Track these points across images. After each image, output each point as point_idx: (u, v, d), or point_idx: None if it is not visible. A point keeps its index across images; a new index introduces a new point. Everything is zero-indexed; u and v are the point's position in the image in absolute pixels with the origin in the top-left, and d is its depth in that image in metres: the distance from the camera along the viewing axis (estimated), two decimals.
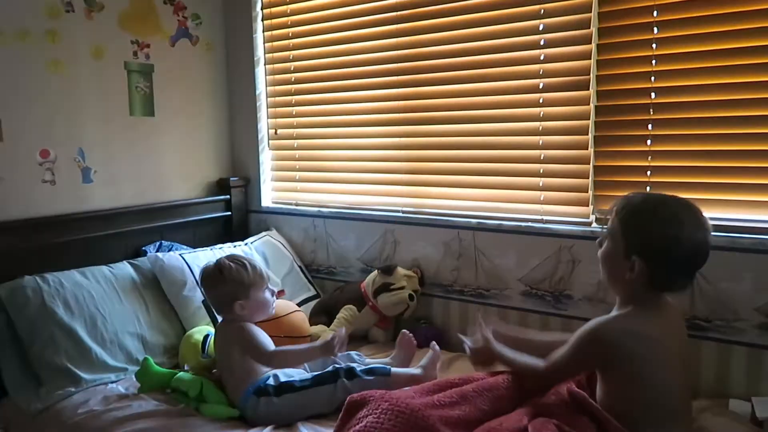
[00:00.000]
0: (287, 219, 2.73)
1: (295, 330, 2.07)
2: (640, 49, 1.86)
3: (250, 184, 2.82)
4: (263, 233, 2.67)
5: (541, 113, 2.06)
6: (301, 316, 2.15)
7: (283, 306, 2.11)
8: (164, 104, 2.54)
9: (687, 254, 1.32)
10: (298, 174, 2.73)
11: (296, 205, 2.74)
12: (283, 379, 1.74)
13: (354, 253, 2.53)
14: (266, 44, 2.72)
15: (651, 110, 1.87)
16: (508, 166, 2.16)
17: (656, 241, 1.31)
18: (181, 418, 1.69)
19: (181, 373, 1.85)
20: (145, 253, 2.33)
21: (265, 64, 2.74)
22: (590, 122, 1.96)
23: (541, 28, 2.03)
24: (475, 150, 2.22)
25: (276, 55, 2.71)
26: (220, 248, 2.45)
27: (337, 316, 2.24)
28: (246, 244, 2.55)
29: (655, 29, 1.83)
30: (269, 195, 2.83)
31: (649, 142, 1.88)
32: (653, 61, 1.85)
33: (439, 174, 2.31)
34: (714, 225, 1.64)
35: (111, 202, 2.36)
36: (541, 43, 2.04)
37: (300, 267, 2.61)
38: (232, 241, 2.60)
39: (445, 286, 2.29)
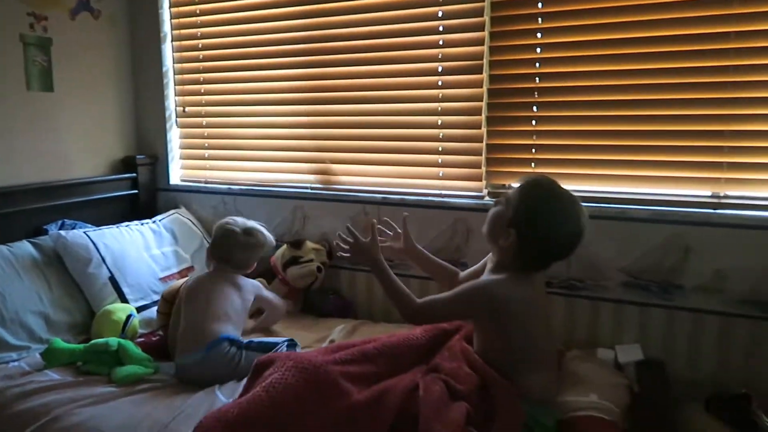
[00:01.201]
0: (196, 197, 2.75)
1: None
2: (527, 38, 2.05)
3: (158, 161, 2.80)
4: (172, 211, 2.67)
5: (440, 95, 2.22)
6: None
7: None
8: (64, 79, 2.47)
9: (561, 248, 1.49)
10: (207, 152, 2.75)
11: (206, 182, 2.76)
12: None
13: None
14: (173, 20, 2.70)
15: (536, 93, 2.06)
16: (410, 144, 2.30)
17: (537, 230, 1.46)
18: (90, 387, 1.71)
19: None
20: (46, 232, 2.28)
21: (171, 41, 2.72)
22: (483, 104, 2.13)
23: (439, 14, 2.18)
24: (378, 129, 2.34)
25: (183, 31, 2.69)
26: (127, 225, 2.44)
27: None
28: (154, 221, 2.55)
29: (540, 20, 2.02)
30: (178, 173, 2.83)
31: (534, 122, 2.08)
32: (538, 49, 2.04)
33: (345, 152, 2.42)
34: (585, 196, 1.88)
35: (9, 180, 2.29)
36: (440, 29, 2.18)
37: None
38: (139, 219, 2.58)
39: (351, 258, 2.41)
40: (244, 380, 1.53)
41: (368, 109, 2.35)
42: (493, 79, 2.12)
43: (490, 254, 1.66)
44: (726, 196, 1.87)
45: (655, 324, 1.95)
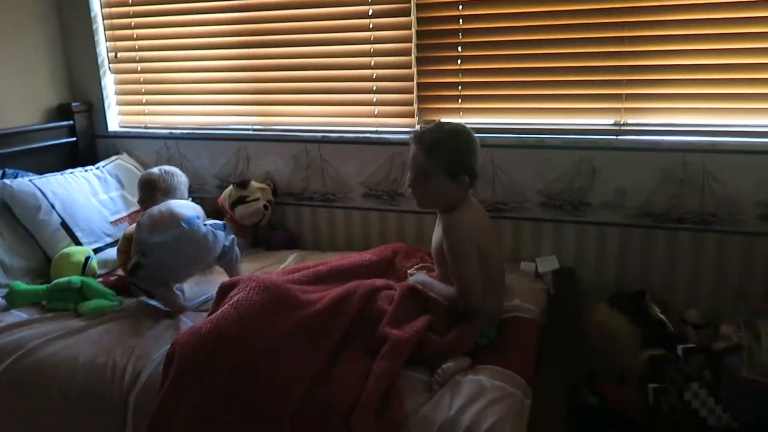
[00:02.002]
0: (137, 142, 2.79)
1: None
2: None
3: (94, 108, 2.80)
4: (114, 157, 2.71)
5: (372, 37, 2.35)
6: None
7: None
8: None
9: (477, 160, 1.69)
10: (144, 97, 2.77)
11: (145, 128, 2.80)
12: None
13: (208, 171, 2.69)
14: None
15: (460, 35, 2.23)
16: (346, 84, 2.43)
17: (463, 158, 1.65)
18: (60, 321, 1.83)
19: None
20: None
21: None
22: (413, 45, 2.29)
23: None
24: (315, 70, 2.45)
25: None
26: (71, 173, 2.47)
27: None
28: (97, 168, 2.59)
29: None
30: (115, 119, 2.84)
31: (459, 62, 2.26)
32: None
33: (284, 93, 2.53)
34: (506, 128, 2.11)
35: None
36: None
37: None
38: (78, 166, 2.60)
39: (296, 194, 2.56)
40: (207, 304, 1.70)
41: (304, 52, 2.45)
42: (420, 21, 2.26)
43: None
44: (626, 124, 2.13)
45: (568, 237, 2.23)
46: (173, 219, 1.87)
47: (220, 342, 1.44)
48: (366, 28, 2.34)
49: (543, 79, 2.17)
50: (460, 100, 2.30)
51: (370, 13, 2.32)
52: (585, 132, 2.17)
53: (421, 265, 1.95)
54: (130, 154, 2.78)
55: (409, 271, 1.90)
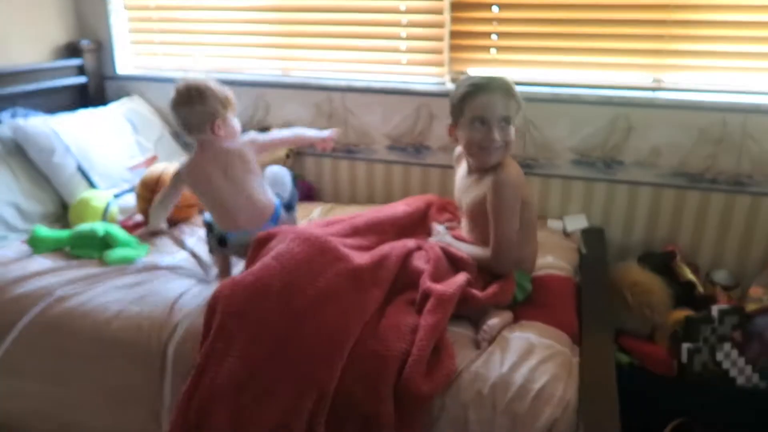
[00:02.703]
0: (151, 85, 2.67)
1: (193, 196, 2.13)
2: None
3: (102, 48, 2.67)
4: (126, 99, 2.60)
5: None
6: None
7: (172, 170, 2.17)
8: None
9: (454, 96, 1.62)
10: (158, 36, 2.64)
11: (160, 70, 2.68)
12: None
13: None
14: None
15: None
16: (373, 30, 2.33)
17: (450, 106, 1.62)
18: (85, 268, 1.77)
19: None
20: None
21: None
22: None
23: None
24: (343, 13, 2.34)
25: None
26: (84, 114, 2.37)
27: None
28: (110, 110, 2.48)
29: None
30: (127, 60, 2.72)
31: (495, 8, 2.16)
32: None
33: (309, 36, 2.42)
34: (541, 82, 2.04)
35: None
36: None
37: (171, 134, 2.62)
38: (88, 108, 2.49)
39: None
40: None
41: None
42: None
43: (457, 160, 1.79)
44: (665, 81, 2.08)
45: (598, 196, 2.20)
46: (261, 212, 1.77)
47: (263, 293, 1.40)
48: None
49: (581, 31, 2.10)
50: (494, 51, 2.21)
51: None
52: (622, 88, 2.11)
53: (447, 223, 1.90)
54: (142, 97, 2.67)
55: (434, 223, 1.86)
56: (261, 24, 2.46)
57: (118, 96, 2.67)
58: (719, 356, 1.79)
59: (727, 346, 1.79)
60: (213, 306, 1.43)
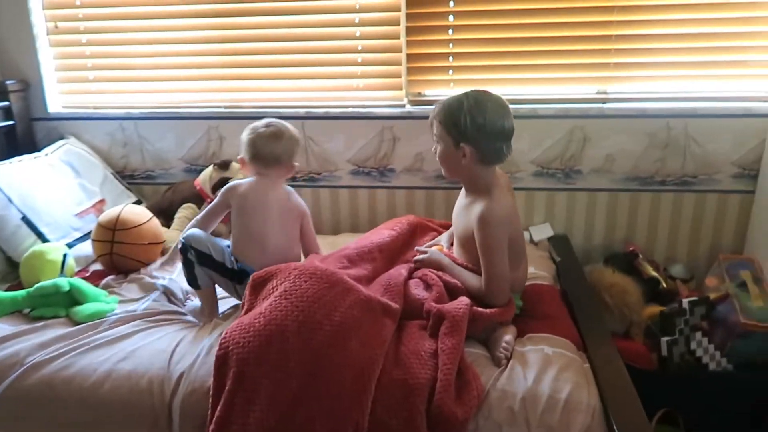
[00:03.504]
0: (85, 125, 2.50)
1: (158, 236, 2.04)
2: None
3: (30, 87, 2.47)
4: (61, 142, 2.41)
5: (357, 5, 2.24)
6: (157, 222, 2.10)
7: (140, 213, 2.05)
8: None
9: (496, 128, 1.55)
10: (92, 73, 2.48)
11: (94, 108, 2.51)
12: None
13: (174, 153, 2.47)
14: None
15: (451, 3, 2.19)
16: (329, 57, 2.32)
17: (470, 126, 1.54)
18: (55, 330, 1.62)
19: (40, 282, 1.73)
20: None
21: None
22: (402, 14, 2.22)
23: None
24: (294, 42, 2.31)
25: None
26: (20, 161, 2.17)
27: (177, 216, 2.24)
28: (47, 155, 2.29)
29: None
30: (57, 99, 2.52)
31: (450, 31, 2.23)
32: None
33: (261, 66, 2.36)
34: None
35: None
36: None
37: (113, 174, 2.46)
38: (18, 153, 2.29)
39: None
40: None
41: (282, 22, 2.30)
42: None
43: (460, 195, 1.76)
44: (613, 92, 2.22)
45: (560, 205, 2.31)
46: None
47: (280, 335, 1.34)
48: None
49: (533, 48, 2.20)
50: (451, 72, 2.27)
51: None
52: (575, 101, 2.23)
53: (429, 244, 1.89)
54: (78, 138, 2.48)
55: (418, 248, 1.85)
56: (207, 56, 2.38)
57: (49, 138, 2.48)
58: (693, 345, 1.91)
59: (698, 335, 1.91)
60: (224, 354, 1.35)
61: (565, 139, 2.22)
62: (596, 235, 2.32)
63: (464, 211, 1.67)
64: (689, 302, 1.92)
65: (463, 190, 1.72)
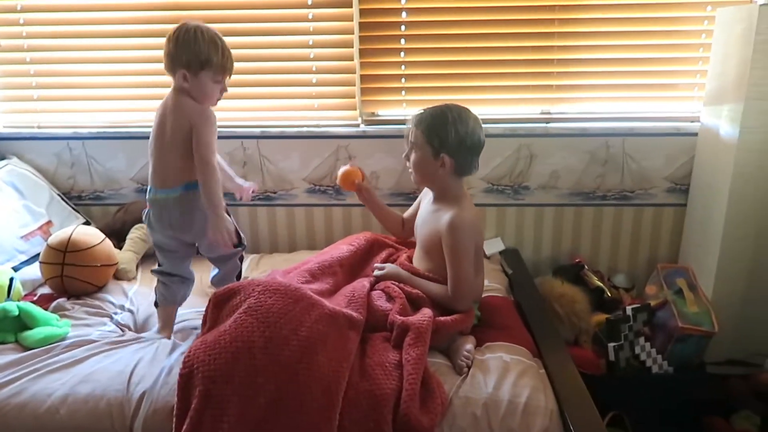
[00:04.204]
0: (29, 144, 2.42)
1: (111, 257, 1.99)
2: None
3: None
4: (3, 162, 2.32)
5: (311, 28, 2.29)
6: (110, 243, 2.05)
7: (92, 234, 2.01)
8: None
9: (475, 142, 1.68)
10: (36, 92, 2.41)
11: (38, 128, 2.44)
12: None
13: (125, 173, 2.43)
14: None
15: (402, 27, 2.27)
16: (284, 78, 2.35)
17: (453, 138, 1.64)
18: (4, 356, 1.56)
19: None
20: None
21: None
22: (355, 37, 2.28)
23: None
24: (251, 62, 2.33)
25: None
26: None
27: (130, 237, 2.19)
28: None
29: None
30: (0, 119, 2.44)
31: (402, 54, 2.30)
32: None
33: None
34: None
35: None
36: None
37: (60, 195, 2.39)
38: None
39: (232, 193, 2.42)
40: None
41: (236, 42, 2.30)
42: (363, 13, 2.26)
43: (425, 190, 1.84)
44: (556, 112, 2.35)
45: (509, 220, 2.40)
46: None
47: (247, 351, 1.34)
48: (305, 19, 2.28)
49: (482, 71, 2.30)
50: (403, 92, 2.34)
51: (309, 3, 2.26)
52: (521, 121, 2.34)
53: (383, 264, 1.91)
54: (20, 158, 2.40)
55: (376, 265, 1.89)
56: (158, 75, 2.36)
57: None
58: (637, 350, 2.02)
59: (641, 340, 2.03)
60: (188, 373, 1.34)
61: (513, 156, 2.33)
62: (544, 248, 2.43)
63: (431, 217, 1.74)
64: (632, 309, 2.03)
65: (429, 198, 1.78)
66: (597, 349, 2.06)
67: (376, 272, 1.80)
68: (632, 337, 2.02)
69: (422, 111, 1.71)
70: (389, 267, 1.81)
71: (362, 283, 1.68)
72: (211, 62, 1.63)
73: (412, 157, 1.71)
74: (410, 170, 1.75)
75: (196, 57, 1.60)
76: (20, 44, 2.36)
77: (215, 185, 1.61)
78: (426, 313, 1.56)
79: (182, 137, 1.62)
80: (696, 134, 2.25)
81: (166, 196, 1.65)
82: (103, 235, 2.04)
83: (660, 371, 2.04)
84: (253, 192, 1.97)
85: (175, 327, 1.73)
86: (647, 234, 2.40)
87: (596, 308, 2.18)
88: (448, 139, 1.64)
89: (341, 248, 1.89)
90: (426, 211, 1.77)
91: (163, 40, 1.64)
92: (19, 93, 2.42)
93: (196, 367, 1.33)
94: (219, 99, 1.72)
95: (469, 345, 1.56)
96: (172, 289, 1.73)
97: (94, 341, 1.64)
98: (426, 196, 1.83)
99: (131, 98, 2.40)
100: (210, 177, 1.60)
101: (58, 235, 1.94)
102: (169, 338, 1.65)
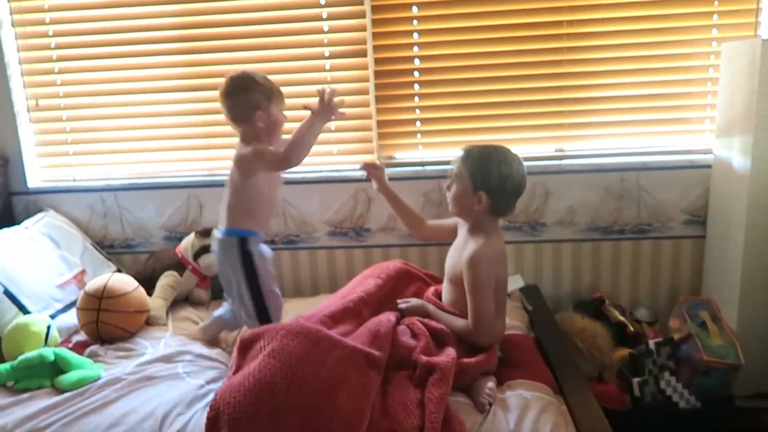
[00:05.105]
0: (65, 197, 2.55)
1: (144, 304, 2.08)
2: (405, 24, 2.33)
3: (9, 163, 2.52)
4: (41, 215, 2.45)
5: (329, 77, 2.40)
6: (143, 291, 2.13)
7: (127, 281, 2.10)
8: None
9: (515, 186, 1.73)
10: (71, 147, 2.55)
11: (74, 181, 2.57)
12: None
13: (154, 222, 2.53)
14: (12, 4, 2.43)
15: (416, 73, 2.37)
16: None
17: (494, 179, 1.69)
18: (41, 400, 1.62)
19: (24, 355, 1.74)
20: None
21: (13, 26, 2.45)
22: (371, 84, 2.38)
23: (322, 2, 2.34)
24: None
25: (26, 17, 2.44)
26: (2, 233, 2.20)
27: (160, 284, 2.27)
28: (26, 228, 2.33)
29: (415, 8, 2.31)
30: (37, 174, 2.58)
31: (416, 99, 2.39)
32: (415, 35, 2.34)
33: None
34: None
35: None
36: (324, 16, 2.35)
37: (93, 245, 2.49)
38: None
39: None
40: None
41: None
42: (377, 62, 2.36)
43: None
44: (569, 149, 2.39)
45: (528, 256, 2.43)
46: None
47: (270, 392, 1.38)
48: (322, 69, 2.39)
49: (494, 112, 2.38)
50: (419, 135, 2.42)
51: (326, 55, 2.38)
52: (536, 158, 2.39)
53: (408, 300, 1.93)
54: (57, 210, 2.53)
55: (398, 301, 1.93)
56: (185, 127, 2.48)
57: (27, 212, 2.52)
58: (662, 384, 2.01)
59: (666, 374, 2.01)
60: (215, 416, 1.38)
61: (528, 194, 2.37)
62: (564, 284, 2.44)
63: (460, 247, 1.79)
64: (655, 343, 2.03)
65: (464, 230, 1.82)
66: (621, 385, 2.05)
67: (401, 305, 1.84)
68: (657, 371, 2.01)
69: (471, 147, 1.77)
70: (414, 301, 1.85)
71: (388, 317, 1.71)
72: (275, 91, 1.82)
73: (453, 188, 1.78)
74: (449, 201, 1.81)
75: (262, 92, 1.79)
76: (58, 103, 2.51)
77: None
78: (450, 353, 1.59)
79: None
80: (710, 166, 2.28)
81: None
82: (136, 283, 2.12)
83: (687, 406, 2.01)
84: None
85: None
86: (667, 267, 2.40)
87: (619, 343, 2.18)
88: (489, 178, 1.70)
89: (368, 283, 1.91)
90: (458, 242, 1.83)
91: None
92: (56, 149, 2.56)
93: (222, 410, 1.38)
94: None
95: (491, 383, 1.58)
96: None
97: (124, 379, 1.70)
98: (463, 227, 1.86)
99: (160, 150, 2.52)
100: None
101: (94, 283, 2.03)
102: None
